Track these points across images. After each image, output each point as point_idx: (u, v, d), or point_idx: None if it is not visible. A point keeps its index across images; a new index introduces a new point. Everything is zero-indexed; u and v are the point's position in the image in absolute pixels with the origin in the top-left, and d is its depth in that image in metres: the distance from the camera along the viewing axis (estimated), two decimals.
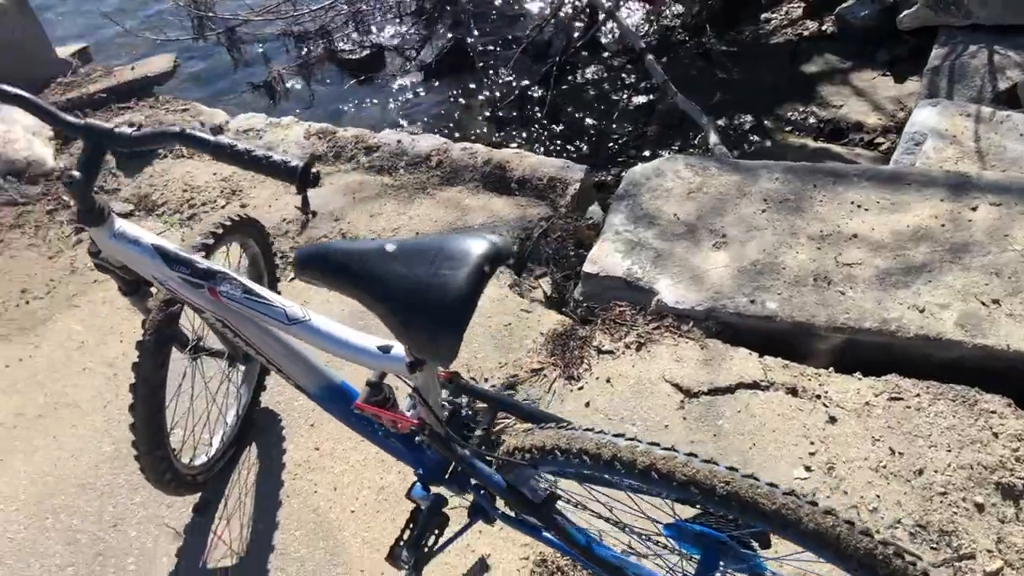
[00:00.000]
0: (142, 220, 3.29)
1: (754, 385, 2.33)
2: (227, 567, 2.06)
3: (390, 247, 1.26)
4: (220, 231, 1.93)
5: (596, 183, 3.55)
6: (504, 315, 2.64)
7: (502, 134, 5.31)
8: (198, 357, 2.08)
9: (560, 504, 1.61)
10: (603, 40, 6.18)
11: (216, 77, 6.28)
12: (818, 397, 2.29)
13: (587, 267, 2.71)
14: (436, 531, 1.70)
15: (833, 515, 1.22)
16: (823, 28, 5.57)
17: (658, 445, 1.29)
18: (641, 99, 5.61)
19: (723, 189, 2.90)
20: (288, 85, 6.19)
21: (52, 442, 2.44)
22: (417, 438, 1.65)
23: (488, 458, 1.48)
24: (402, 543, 1.66)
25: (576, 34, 6.20)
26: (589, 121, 5.35)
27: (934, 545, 1.93)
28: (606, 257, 2.71)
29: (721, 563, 1.54)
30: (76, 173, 1.47)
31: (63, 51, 4.35)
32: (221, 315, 1.60)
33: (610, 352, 2.49)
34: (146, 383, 1.81)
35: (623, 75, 5.88)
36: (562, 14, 6.42)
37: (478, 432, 1.56)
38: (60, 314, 2.90)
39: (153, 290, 1.83)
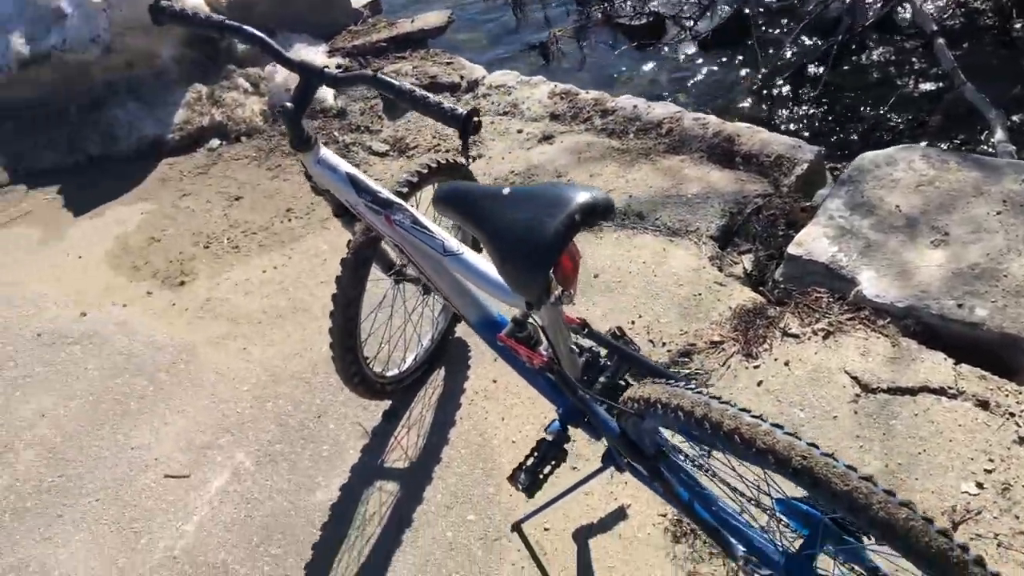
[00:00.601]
0: (395, 160, 3.65)
1: (940, 391, 2.21)
2: (399, 468, 2.32)
3: (505, 191, 1.39)
4: (425, 171, 2.14)
5: (832, 168, 3.41)
6: (696, 285, 2.68)
7: (770, 111, 5.18)
8: (400, 282, 2.33)
9: (679, 461, 1.67)
10: (896, 20, 5.79)
11: (494, 36, 6.64)
12: (1012, 415, 2.13)
13: (792, 249, 2.67)
14: (553, 463, 1.82)
15: (909, 508, 1.21)
16: None
17: (748, 412, 1.33)
18: (927, 87, 5.23)
19: (957, 185, 2.71)
20: (563, 48, 6.40)
21: (286, 339, 2.83)
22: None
23: (604, 404, 1.58)
24: (523, 468, 1.80)
25: (868, 13, 5.86)
26: (865, 106, 5.07)
27: None
28: (813, 241, 2.65)
29: (825, 546, 1.54)
30: (289, 104, 1.73)
31: (357, 1, 4.84)
32: (397, 240, 1.81)
33: (795, 336, 2.45)
34: (344, 295, 2.08)
35: (912, 60, 5.50)
36: None
37: (603, 379, 1.65)
38: (312, 233, 3.31)
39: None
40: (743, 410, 1.34)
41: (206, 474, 2.43)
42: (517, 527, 2.12)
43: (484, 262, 1.64)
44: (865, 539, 1.48)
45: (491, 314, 1.90)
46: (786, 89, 5.35)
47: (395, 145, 3.73)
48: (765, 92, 5.36)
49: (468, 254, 1.66)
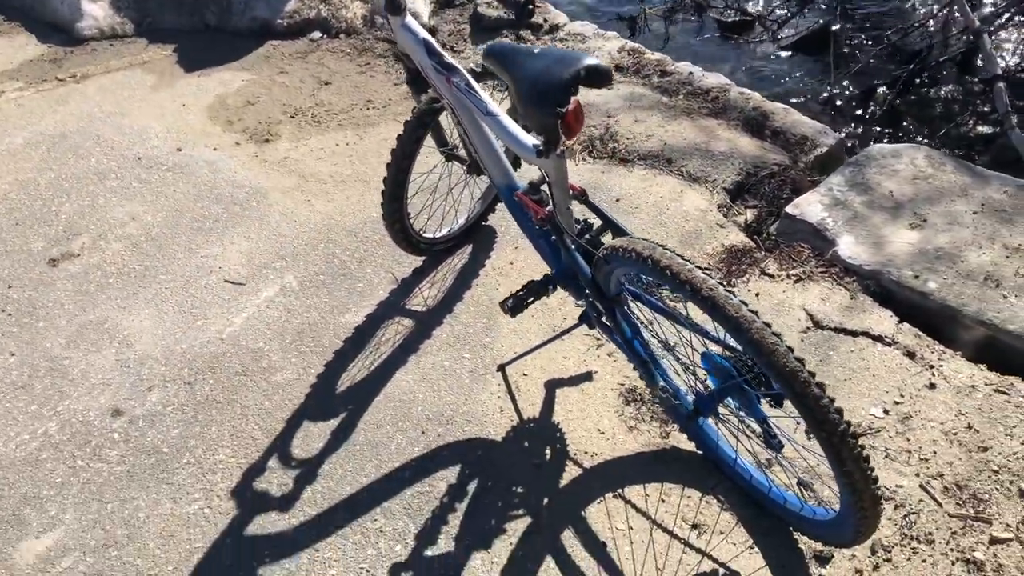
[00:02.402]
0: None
1: (878, 338, 2.59)
2: (417, 311, 2.78)
3: (536, 50, 1.82)
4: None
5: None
6: (700, 223, 3.08)
7: (832, 123, 5.50)
8: (451, 160, 2.77)
9: (630, 312, 2.10)
10: (973, 60, 6.05)
11: (590, 3, 7.00)
12: (931, 367, 2.51)
13: (789, 208, 3.05)
14: (535, 296, 2.26)
15: (779, 337, 1.62)
16: None
17: (680, 256, 1.74)
18: (982, 129, 5.48)
19: (947, 185, 3.06)
20: (651, 26, 6.75)
21: (344, 200, 3.30)
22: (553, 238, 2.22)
23: (585, 250, 2.01)
24: (513, 296, 2.25)
25: (943, 47, 6.12)
26: (920, 135, 5.35)
27: (960, 501, 2.15)
28: (809, 205, 3.03)
29: (728, 399, 1.96)
30: None
31: None
32: (450, 100, 2.25)
33: (771, 276, 2.85)
34: (401, 149, 2.54)
35: (976, 101, 5.75)
36: (932, 25, 6.34)
37: (588, 236, 2.08)
38: (385, 124, 3.77)
39: (430, 89, 2.52)
40: (678, 255, 1.76)
41: (258, 285, 2.91)
42: (502, 368, 2.56)
43: (514, 125, 2.07)
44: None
45: (513, 178, 2.33)
46: (852, 105, 5.65)
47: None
48: (831, 104, 5.67)
49: (502, 116, 2.08)
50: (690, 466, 2.28)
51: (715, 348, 1.95)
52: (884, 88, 5.73)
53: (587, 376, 2.54)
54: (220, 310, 2.82)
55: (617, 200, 3.19)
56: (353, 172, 3.46)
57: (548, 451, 2.33)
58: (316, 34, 4.48)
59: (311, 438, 2.39)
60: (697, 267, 1.71)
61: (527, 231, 2.35)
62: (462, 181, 2.94)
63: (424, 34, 2.25)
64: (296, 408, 2.47)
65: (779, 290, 2.79)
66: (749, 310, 1.64)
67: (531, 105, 1.76)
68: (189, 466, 2.33)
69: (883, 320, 2.66)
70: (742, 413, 1.98)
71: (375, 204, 3.22)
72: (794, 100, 5.59)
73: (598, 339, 2.62)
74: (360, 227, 3.15)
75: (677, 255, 1.74)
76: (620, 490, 2.22)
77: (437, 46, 2.24)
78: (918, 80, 5.80)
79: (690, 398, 2.09)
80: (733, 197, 3.26)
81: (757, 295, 2.78)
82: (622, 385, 2.51)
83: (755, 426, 1.98)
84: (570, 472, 2.28)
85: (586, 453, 2.32)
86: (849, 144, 5.19)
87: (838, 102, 5.66)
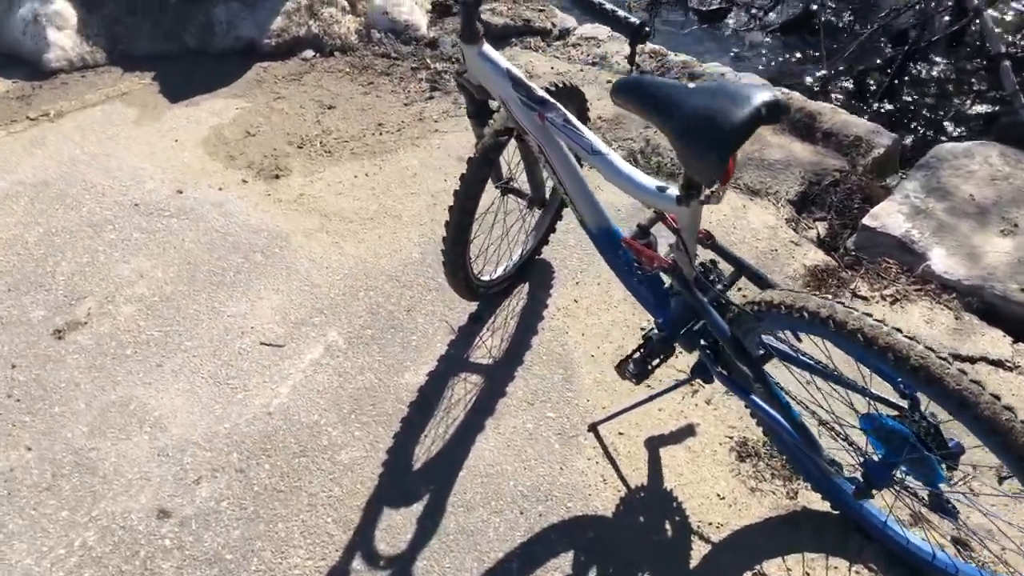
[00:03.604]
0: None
1: (998, 363, 2.38)
2: (483, 364, 2.49)
3: (691, 85, 1.54)
4: (553, 88, 2.29)
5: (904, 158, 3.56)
6: (772, 241, 2.84)
7: (828, 102, 5.31)
8: (507, 193, 2.49)
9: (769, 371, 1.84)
10: (964, 38, 5.91)
11: None
12: None
13: (867, 220, 2.82)
14: (661, 357, 1.99)
15: (1011, 411, 1.37)
16: None
17: (870, 316, 1.49)
18: (983, 108, 5.35)
19: None
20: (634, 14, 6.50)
21: (376, 239, 2.99)
22: (665, 287, 1.95)
23: (723, 304, 1.74)
24: (632, 359, 1.97)
25: (936, 26, 5.98)
26: (919, 119, 5.20)
27: None
28: (888, 216, 2.81)
29: (902, 467, 1.71)
30: None
31: None
32: (539, 139, 1.97)
33: (864, 298, 2.62)
34: (466, 190, 2.24)
35: (972, 80, 5.62)
36: (923, 4, 6.20)
37: (718, 287, 1.81)
38: (403, 150, 3.46)
39: (491, 121, 2.24)
40: (865, 314, 1.50)
41: (300, 346, 2.60)
42: (594, 428, 2.29)
43: (627, 165, 1.80)
44: (941, 460, 1.65)
45: (611, 225, 2.05)
46: (846, 89, 5.48)
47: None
48: (824, 90, 5.49)
49: (614, 155, 1.81)
50: (826, 529, 2.04)
51: (880, 408, 1.70)
52: (878, 71, 5.58)
53: (689, 430, 2.28)
54: (261, 379, 2.50)
55: None
56: (379, 207, 3.15)
57: (667, 525, 2.07)
58: (308, 53, 4.14)
59: (395, 529, 2.09)
60: (896, 329, 1.46)
61: (623, 277, 2.07)
62: (518, 215, 2.66)
63: (507, 64, 1.97)
64: (371, 492, 2.18)
65: (876, 314, 2.54)
66: (971, 380, 1.40)
67: (698, 151, 1.48)
68: (259, 575, 2.02)
69: (997, 341, 2.44)
70: (911, 478, 1.74)
71: (411, 241, 2.93)
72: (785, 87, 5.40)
73: (692, 385, 2.37)
74: (400, 270, 2.85)
75: (866, 315, 1.49)
76: (758, 567, 1.97)
77: (522, 76, 1.96)
78: (913, 61, 5.66)
79: (858, 466, 1.83)
80: (799, 209, 3.03)
81: None
82: (730, 438, 2.25)
83: (922, 490, 1.74)
84: (697, 549, 2.02)
85: (710, 524, 2.06)
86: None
87: (832, 90, 5.49)
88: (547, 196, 2.56)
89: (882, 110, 5.21)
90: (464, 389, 2.43)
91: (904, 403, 1.66)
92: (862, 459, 1.74)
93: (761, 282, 1.79)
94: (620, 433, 2.28)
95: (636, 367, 1.96)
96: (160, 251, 2.99)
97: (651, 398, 2.26)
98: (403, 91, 3.84)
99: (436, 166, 3.33)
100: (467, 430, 2.31)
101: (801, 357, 1.77)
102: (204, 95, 3.89)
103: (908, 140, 5.00)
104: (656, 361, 2.00)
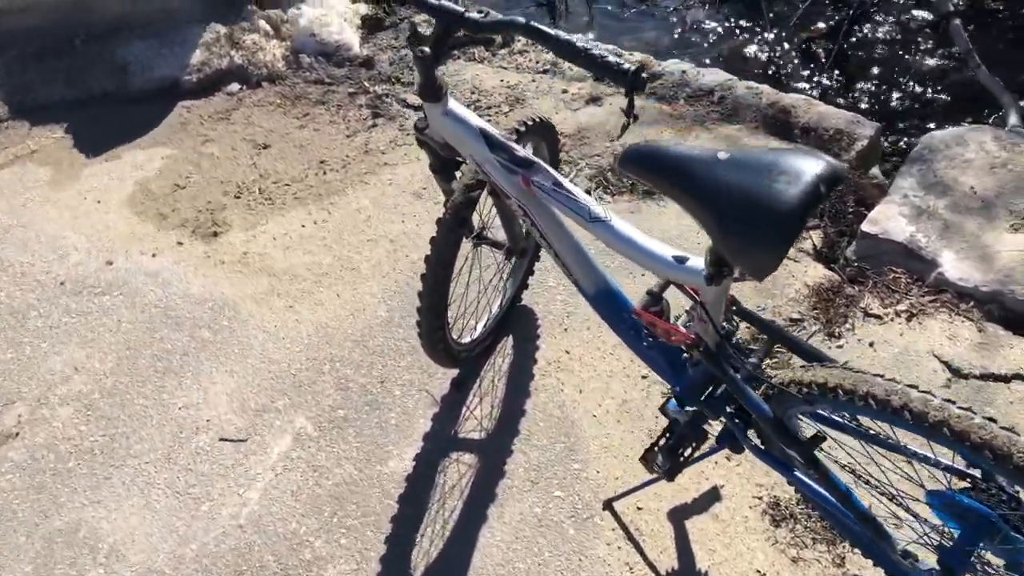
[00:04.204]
0: None
1: None
2: (475, 439, 2.23)
3: (722, 155, 1.28)
4: (523, 129, 2.02)
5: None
6: None
7: (779, 77, 5.12)
8: (480, 245, 2.22)
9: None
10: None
11: None
12: None
13: (866, 227, 2.61)
14: (693, 444, 1.74)
15: None
16: None
17: (953, 403, 1.26)
18: (933, 63, 5.22)
19: None
20: (571, 6, 6.25)
21: (335, 299, 2.70)
22: (684, 355, 1.70)
23: (764, 384, 1.50)
24: (657, 449, 1.72)
25: None
26: (872, 82, 5.04)
27: None
28: (889, 219, 2.60)
29: (981, 544, 1.49)
30: (427, 50, 1.59)
31: None
32: (524, 203, 1.70)
33: (878, 317, 2.41)
34: (439, 256, 1.96)
35: (919, 38, 5.47)
36: None
37: (751, 360, 1.57)
38: (351, 189, 3.16)
39: (458, 174, 1.97)
40: (948, 401, 1.27)
41: (265, 439, 2.30)
42: (609, 505, 2.04)
43: (636, 231, 1.54)
44: None
45: (613, 288, 1.80)
46: (795, 59, 5.30)
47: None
48: (773, 61, 5.30)
49: (617, 221, 1.55)
50: None
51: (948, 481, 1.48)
52: (824, 37, 5.41)
53: (714, 495, 2.05)
54: (226, 483, 2.21)
55: None
56: (334, 259, 2.85)
57: None
58: (234, 86, 3.80)
59: None
60: (989, 419, 1.23)
61: (630, 342, 1.82)
62: (494, 267, 2.39)
63: (479, 122, 1.69)
64: None
65: (894, 334, 2.35)
66: None
67: (753, 244, 1.23)
68: None
69: None
70: (992, 555, 1.52)
71: (375, 298, 2.65)
72: (735, 67, 5.20)
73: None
74: (367, 334, 2.56)
75: (949, 403, 1.25)
76: None
77: (499, 135, 1.68)
78: (859, 24, 5.50)
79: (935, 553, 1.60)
80: None
81: (871, 345, 2.33)
82: (759, 499, 2.03)
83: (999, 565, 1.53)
84: None
85: None
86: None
87: (780, 61, 5.30)
88: (526, 245, 2.29)
89: (831, 79, 5.05)
90: (458, 472, 2.17)
91: (974, 472, 1.44)
92: (936, 545, 1.51)
93: (799, 350, 1.55)
94: (639, 508, 2.04)
95: (666, 459, 1.71)
96: (94, 336, 2.66)
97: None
98: (343, 120, 3.53)
99: (390, 205, 3.03)
100: (468, 523, 2.05)
101: (848, 423, 1.53)
102: (124, 145, 3.53)
103: (863, 104, 4.84)
104: (690, 451, 1.74)
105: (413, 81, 3.72)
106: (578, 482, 2.11)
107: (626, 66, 1.41)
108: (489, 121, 3.32)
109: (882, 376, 1.33)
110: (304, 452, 2.25)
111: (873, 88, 5.00)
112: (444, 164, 1.93)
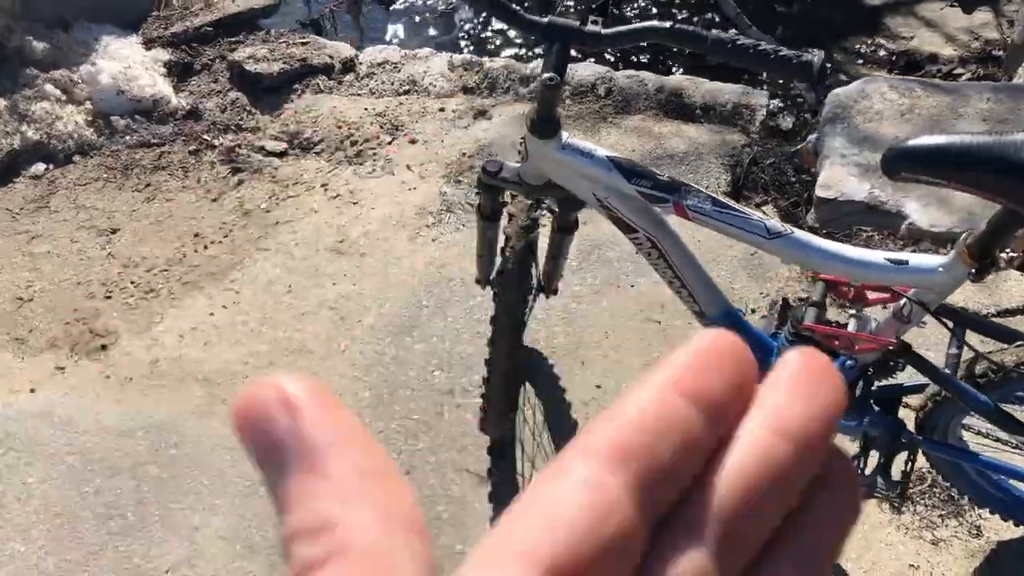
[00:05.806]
0: (302, 159, 3.09)
1: None
2: None
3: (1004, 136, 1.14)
4: None
5: None
6: (741, 247, 2.54)
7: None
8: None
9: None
10: None
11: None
12: None
13: (821, 192, 2.61)
14: (909, 457, 1.59)
15: None
16: None
17: None
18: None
19: (935, 110, 2.81)
20: (337, 20, 5.91)
21: None
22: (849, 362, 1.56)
23: (991, 373, 1.39)
24: (877, 476, 1.56)
25: None
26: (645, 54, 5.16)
27: None
28: (841, 182, 2.62)
29: None
30: (555, 75, 1.31)
31: None
32: (652, 233, 1.47)
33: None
34: (510, 315, 1.68)
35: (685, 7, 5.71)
36: None
37: (951, 351, 1.46)
38: (249, 259, 2.70)
39: (503, 221, 1.70)
40: None
41: None
42: None
43: (823, 240, 1.37)
44: None
45: (734, 309, 1.62)
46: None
47: (293, 142, 3.15)
48: (529, 40, 5.26)
49: (799, 233, 1.37)
50: None
51: None
52: (593, 12, 5.52)
53: None
54: None
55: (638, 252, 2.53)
56: (272, 346, 2.41)
57: None
58: (39, 167, 3.13)
59: None
60: None
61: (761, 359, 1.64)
62: None
63: (605, 151, 1.43)
64: None
65: None
66: None
67: None
68: None
69: (1021, 282, 2.35)
70: None
71: (347, 378, 2.29)
72: (481, 47, 5.16)
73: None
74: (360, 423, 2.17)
75: None
76: None
77: (636, 163, 1.43)
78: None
79: None
80: (737, 199, 2.74)
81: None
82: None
83: None
84: None
85: None
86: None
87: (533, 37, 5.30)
88: (553, 284, 2.02)
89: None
90: None
91: None
92: None
93: (998, 335, 1.46)
94: None
95: (888, 482, 1.55)
96: (4, 512, 2.05)
97: None
98: (198, 184, 3.02)
99: (308, 269, 2.62)
100: None
101: None
102: None
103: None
104: (908, 465, 1.59)
105: (258, 125, 3.27)
106: None
107: (806, 57, 1.23)
108: (374, 153, 3.00)
109: None
110: None
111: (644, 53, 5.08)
112: (496, 212, 1.65)
